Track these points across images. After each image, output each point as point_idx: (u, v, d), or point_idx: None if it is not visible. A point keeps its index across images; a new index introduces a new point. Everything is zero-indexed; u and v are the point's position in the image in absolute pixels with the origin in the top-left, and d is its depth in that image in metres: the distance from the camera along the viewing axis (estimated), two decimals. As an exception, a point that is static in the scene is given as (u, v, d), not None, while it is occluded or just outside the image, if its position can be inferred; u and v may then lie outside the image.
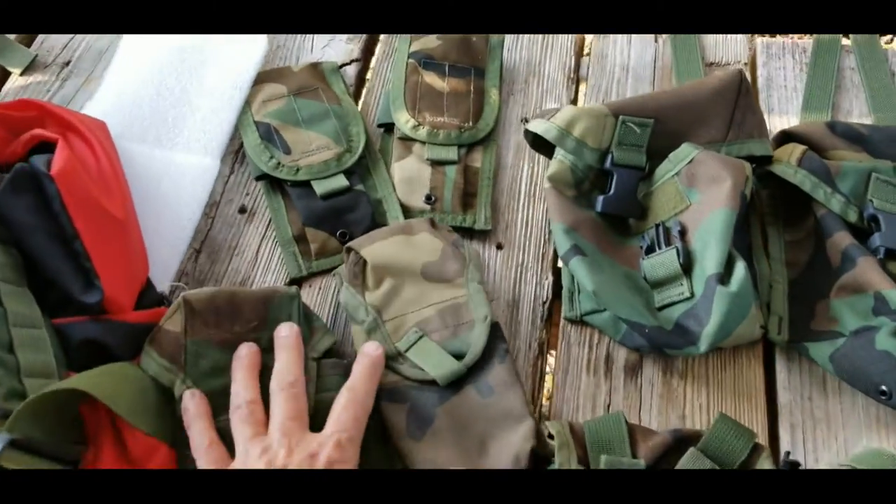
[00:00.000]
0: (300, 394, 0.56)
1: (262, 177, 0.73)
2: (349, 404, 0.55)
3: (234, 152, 0.77)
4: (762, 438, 0.61)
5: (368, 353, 0.59)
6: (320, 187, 0.71)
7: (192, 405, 0.56)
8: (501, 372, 0.59)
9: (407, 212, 0.72)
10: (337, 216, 0.70)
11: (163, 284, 0.65)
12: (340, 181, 0.72)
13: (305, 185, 0.72)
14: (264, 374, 0.58)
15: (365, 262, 0.65)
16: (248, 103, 0.77)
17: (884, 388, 0.60)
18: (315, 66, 0.81)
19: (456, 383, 0.59)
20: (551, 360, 0.68)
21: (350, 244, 0.66)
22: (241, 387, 0.56)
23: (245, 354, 0.58)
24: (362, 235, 0.67)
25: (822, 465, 0.60)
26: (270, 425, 0.54)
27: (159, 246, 0.66)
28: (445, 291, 0.63)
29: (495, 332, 0.62)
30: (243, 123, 0.76)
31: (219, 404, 0.56)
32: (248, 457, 0.52)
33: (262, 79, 0.79)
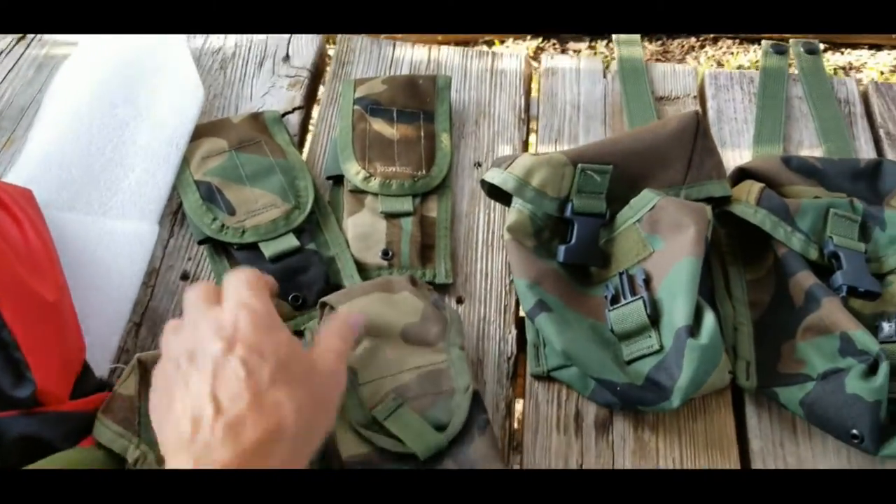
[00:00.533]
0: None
1: (206, 240, 0.69)
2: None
3: (173, 213, 0.72)
4: (737, 488, 0.60)
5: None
6: (269, 249, 0.67)
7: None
8: (482, 445, 0.56)
9: (362, 269, 0.69)
10: (288, 279, 0.66)
11: (101, 367, 0.60)
12: (290, 241, 0.68)
13: (253, 247, 0.68)
14: None
15: None
16: (186, 161, 0.72)
17: (855, 431, 0.59)
18: (256, 117, 0.77)
19: (434, 457, 0.56)
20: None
21: (326, 300, 0.62)
22: None
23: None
24: (335, 293, 0.63)
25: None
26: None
27: (96, 323, 0.61)
28: (426, 356, 0.60)
29: (476, 401, 0.59)
30: (182, 183, 0.71)
31: None
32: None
33: (200, 133, 0.74)
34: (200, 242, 0.69)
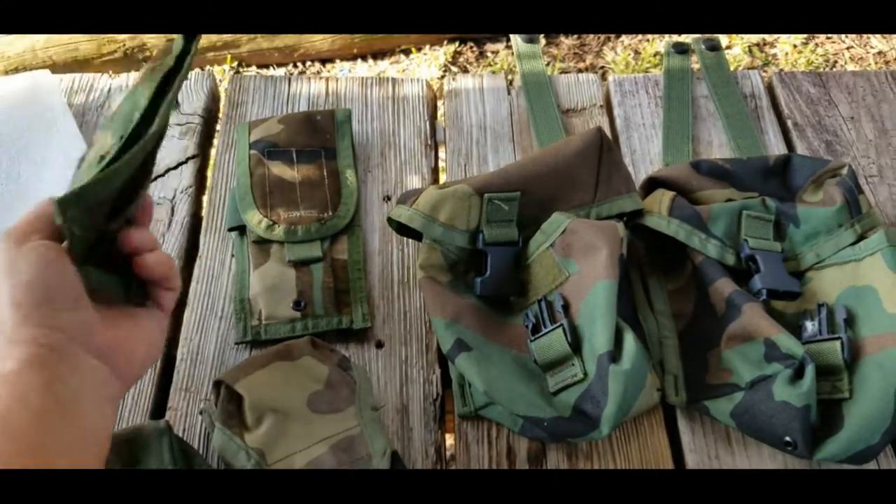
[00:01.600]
0: None
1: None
2: None
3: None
4: (677, 508, 0.59)
5: None
6: None
7: None
8: None
9: (273, 323, 0.66)
10: None
11: None
12: None
13: None
14: None
15: (241, 397, 0.58)
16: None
17: (788, 438, 0.58)
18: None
19: None
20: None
21: (221, 377, 0.59)
22: None
23: None
24: (231, 369, 0.60)
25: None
26: None
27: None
28: (336, 424, 0.57)
29: (395, 464, 0.56)
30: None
31: None
32: None
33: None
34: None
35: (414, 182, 0.77)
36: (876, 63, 1.84)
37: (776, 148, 0.80)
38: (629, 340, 0.58)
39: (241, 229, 0.71)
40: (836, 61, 1.85)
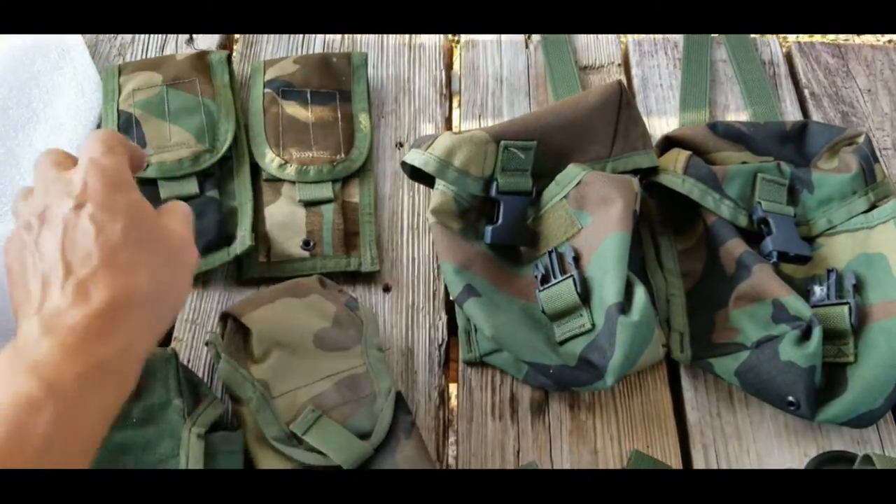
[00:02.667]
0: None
1: None
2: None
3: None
4: (676, 463, 0.60)
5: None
6: (166, 190, 0.66)
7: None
8: (408, 449, 0.54)
9: (284, 261, 0.66)
10: None
11: None
12: (190, 186, 0.66)
13: (153, 185, 0.66)
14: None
15: (248, 330, 0.58)
16: (117, 90, 0.70)
17: (791, 398, 0.58)
18: (201, 56, 0.73)
19: (360, 467, 0.53)
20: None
21: (229, 310, 0.59)
22: None
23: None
24: (239, 301, 0.60)
25: (738, 482, 0.59)
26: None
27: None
28: (341, 361, 0.57)
29: (399, 404, 0.56)
30: (106, 112, 0.69)
31: None
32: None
33: (138, 67, 0.72)
34: None
35: (427, 130, 0.76)
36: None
37: (792, 116, 0.80)
38: (639, 293, 0.58)
39: (254, 167, 0.70)
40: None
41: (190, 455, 0.50)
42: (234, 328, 0.58)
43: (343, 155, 0.70)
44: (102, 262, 0.40)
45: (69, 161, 0.46)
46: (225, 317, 0.59)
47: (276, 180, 0.69)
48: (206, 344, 0.60)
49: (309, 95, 0.72)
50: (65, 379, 0.37)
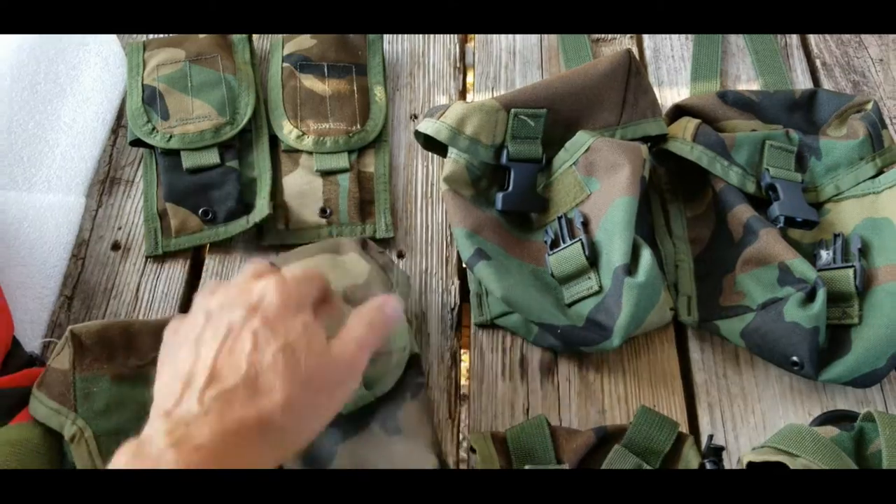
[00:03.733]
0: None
1: (136, 142, 0.70)
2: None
3: (101, 182, 0.71)
4: (681, 420, 0.61)
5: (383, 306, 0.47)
6: (188, 160, 0.68)
7: None
8: (412, 409, 0.56)
9: (301, 227, 0.68)
10: (201, 192, 0.68)
11: (33, 342, 0.59)
12: (211, 157, 0.69)
13: (176, 155, 0.69)
14: None
15: None
16: (142, 65, 0.73)
17: (795, 358, 0.60)
18: (224, 35, 0.76)
19: (362, 418, 0.55)
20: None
21: (273, 261, 0.61)
22: None
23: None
24: (282, 253, 0.62)
25: (742, 440, 0.60)
26: None
27: (24, 299, 0.60)
28: None
29: (413, 364, 0.58)
30: (131, 86, 0.72)
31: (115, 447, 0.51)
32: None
33: (163, 43, 0.74)
34: (132, 143, 0.70)
35: (441, 102, 0.78)
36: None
37: (803, 85, 0.80)
38: (645, 255, 0.60)
39: (272, 138, 0.72)
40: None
41: None
42: None
43: (359, 126, 0.72)
44: (246, 379, 0.39)
45: (269, 274, 0.45)
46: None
47: (294, 151, 0.71)
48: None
49: (326, 69, 0.74)
50: None
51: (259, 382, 0.40)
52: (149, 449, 0.37)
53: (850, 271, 0.62)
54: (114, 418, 0.53)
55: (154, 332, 0.55)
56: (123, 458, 0.37)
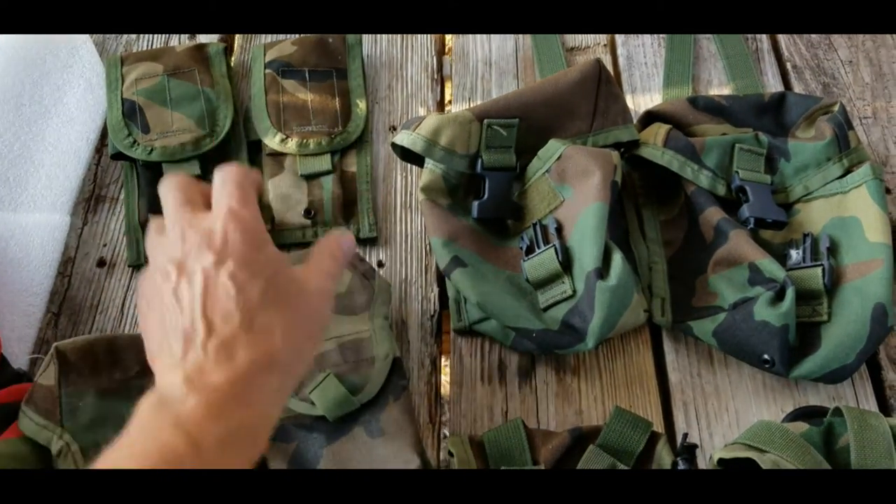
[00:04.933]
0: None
1: (117, 155, 0.72)
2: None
3: (86, 200, 0.72)
4: (656, 420, 0.62)
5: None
6: (170, 171, 0.70)
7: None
8: (395, 410, 0.57)
9: (284, 229, 0.70)
10: None
11: (20, 358, 0.60)
12: (192, 168, 0.71)
13: (157, 168, 0.70)
14: None
15: None
16: (120, 79, 0.75)
17: (766, 356, 0.61)
18: (200, 48, 0.78)
19: (346, 422, 0.57)
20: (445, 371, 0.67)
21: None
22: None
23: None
24: None
25: (717, 438, 0.62)
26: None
27: (11, 316, 0.61)
28: (348, 325, 0.60)
29: (395, 368, 0.59)
30: (110, 100, 0.74)
31: None
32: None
33: (140, 57, 0.76)
34: (113, 157, 0.72)
35: (420, 114, 0.79)
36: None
37: (774, 89, 0.82)
38: (617, 259, 0.61)
39: (255, 144, 0.74)
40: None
41: None
42: None
43: (341, 127, 0.74)
44: (242, 323, 0.40)
45: (200, 198, 0.45)
46: None
47: (278, 154, 0.73)
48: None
49: (307, 74, 0.76)
50: (207, 439, 0.38)
51: (256, 324, 0.41)
52: (170, 398, 0.38)
53: (819, 270, 0.63)
54: (100, 432, 0.54)
55: (139, 346, 0.56)
56: (147, 412, 0.38)
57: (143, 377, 0.56)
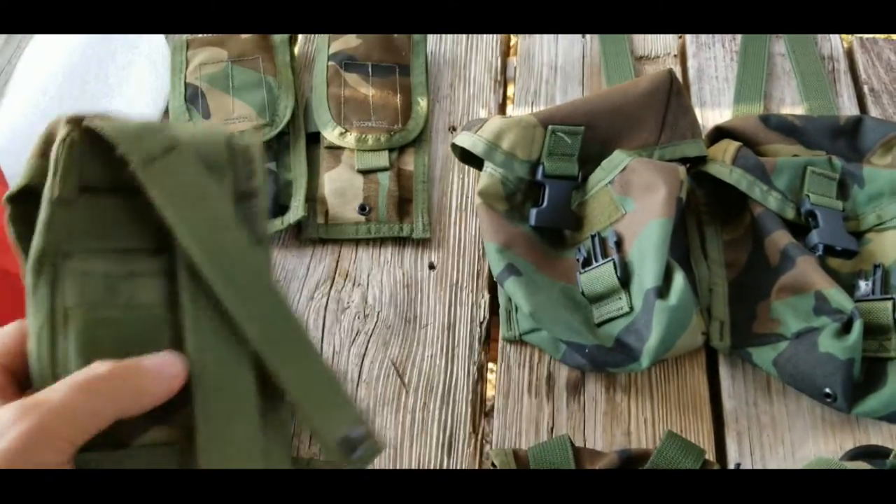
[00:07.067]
0: None
1: None
2: None
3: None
4: (709, 448, 0.60)
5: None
6: None
7: None
8: None
9: (340, 224, 0.70)
10: None
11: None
12: None
13: None
14: None
15: None
16: (185, 63, 0.75)
17: (828, 390, 0.59)
18: (265, 36, 0.77)
19: None
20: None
21: None
22: None
23: None
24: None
25: (771, 471, 0.59)
26: None
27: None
28: None
29: None
30: (174, 84, 0.74)
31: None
32: None
33: (206, 42, 0.76)
34: None
35: (480, 115, 0.78)
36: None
37: (849, 112, 0.79)
38: (678, 279, 0.59)
39: (314, 136, 0.74)
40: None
41: None
42: None
43: (400, 125, 0.73)
44: None
45: None
46: None
47: (336, 148, 0.72)
48: None
49: (370, 68, 0.75)
50: None
51: None
52: None
53: (889, 303, 0.60)
54: None
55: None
56: None
57: None
